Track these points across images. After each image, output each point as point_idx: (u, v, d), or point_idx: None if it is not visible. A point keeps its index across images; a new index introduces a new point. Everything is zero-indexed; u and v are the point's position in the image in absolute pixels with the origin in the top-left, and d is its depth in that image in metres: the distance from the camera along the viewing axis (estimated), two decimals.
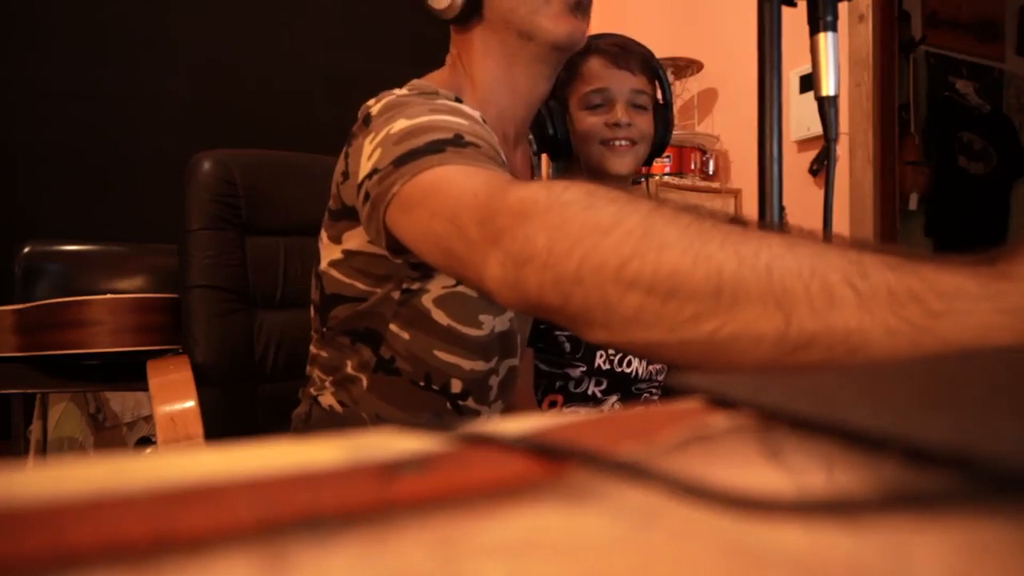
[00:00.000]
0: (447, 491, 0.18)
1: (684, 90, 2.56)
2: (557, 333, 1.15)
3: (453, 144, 0.64)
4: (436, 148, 0.63)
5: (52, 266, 2.04)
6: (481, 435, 0.21)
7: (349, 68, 2.86)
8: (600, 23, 3.48)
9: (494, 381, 0.86)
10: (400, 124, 0.68)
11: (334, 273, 0.84)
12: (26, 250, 2.00)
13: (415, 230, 0.61)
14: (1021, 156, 3.38)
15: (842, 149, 2.25)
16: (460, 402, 0.84)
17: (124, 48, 2.47)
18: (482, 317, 0.81)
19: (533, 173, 1.00)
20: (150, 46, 2.49)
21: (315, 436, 0.22)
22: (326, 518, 0.16)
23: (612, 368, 1.13)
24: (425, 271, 0.78)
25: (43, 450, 2.05)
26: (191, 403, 1.01)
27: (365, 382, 0.87)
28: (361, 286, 0.82)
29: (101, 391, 2.13)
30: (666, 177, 2.28)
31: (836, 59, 0.65)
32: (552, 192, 0.48)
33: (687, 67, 2.46)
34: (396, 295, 0.80)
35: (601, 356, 1.13)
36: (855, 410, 0.22)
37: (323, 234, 0.86)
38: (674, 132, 1.21)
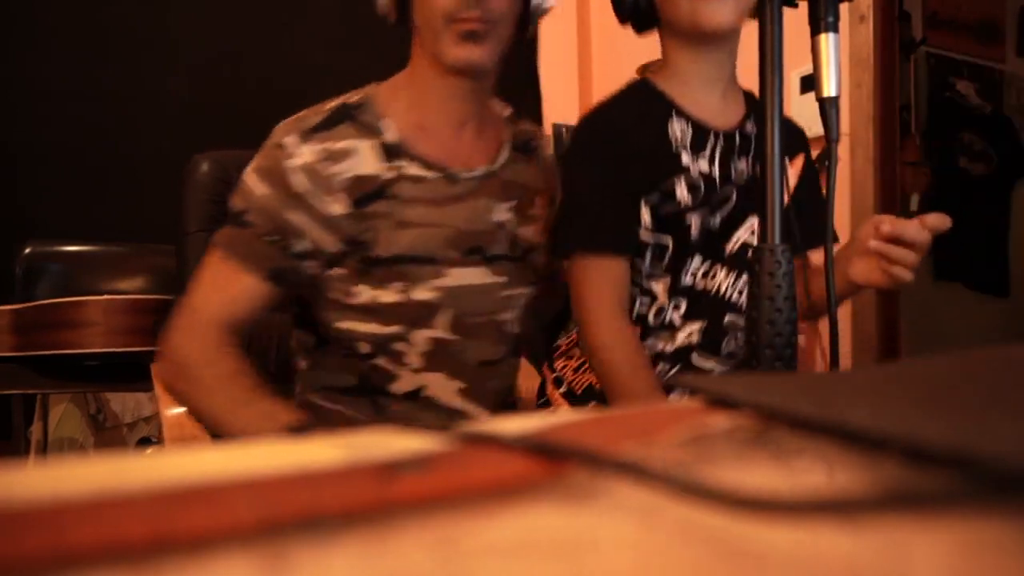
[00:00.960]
0: (447, 491, 0.18)
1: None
2: (643, 240, 0.98)
3: (235, 221, 0.88)
4: (231, 218, 0.89)
5: (52, 266, 2.04)
6: (481, 435, 0.21)
7: (349, 68, 2.85)
8: (600, 23, 3.46)
9: (404, 347, 0.93)
10: (247, 171, 0.91)
11: None
12: (26, 250, 2.00)
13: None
14: (1021, 157, 3.38)
15: (843, 150, 2.25)
16: (371, 361, 0.94)
17: (124, 48, 2.47)
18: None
19: (500, 146, 0.99)
20: (150, 46, 2.49)
21: (314, 436, 0.22)
22: (326, 518, 0.16)
23: (693, 285, 0.98)
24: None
25: (43, 450, 2.05)
26: None
27: (306, 364, 1.00)
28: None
29: (101, 392, 2.13)
30: None
31: (837, 60, 0.65)
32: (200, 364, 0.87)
33: None
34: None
35: (688, 267, 0.98)
36: (855, 410, 0.22)
37: None
38: None
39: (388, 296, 0.89)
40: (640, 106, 0.98)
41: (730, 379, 0.27)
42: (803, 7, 0.67)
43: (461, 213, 0.92)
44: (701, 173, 0.97)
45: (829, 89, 0.65)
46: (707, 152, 0.97)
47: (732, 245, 0.97)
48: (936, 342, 2.95)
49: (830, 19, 0.64)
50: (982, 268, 3.34)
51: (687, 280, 0.98)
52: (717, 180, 0.96)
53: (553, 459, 0.19)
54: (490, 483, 0.18)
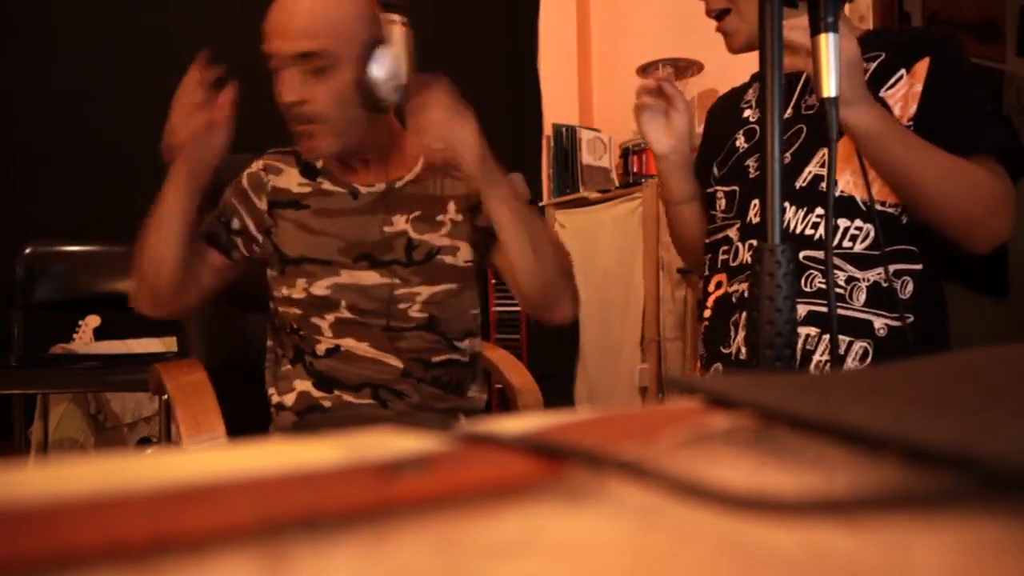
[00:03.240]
0: (447, 491, 0.18)
1: (684, 91, 2.56)
2: (714, 188, 1.10)
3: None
4: None
5: (52, 266, 2.04)
6: (481, 435, 0.21)
7: None
8: (600, 23, 3.47)
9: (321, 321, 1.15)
10: None
11: None
12: (27, 251, 2.01)
13: None
14: (1021, 157, 3.37)
15: None
16: (299, 333, 1.16)
17: (124, 48, 2.47)
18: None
19: (412, 165, 1.18)
20: (150, 46, 2.49)
21: (313, 436, 0.22)
22: (326, 518, 0.16)
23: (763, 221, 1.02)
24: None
25: (44, 450, 2.05)
26: (212, 402, 1.03)
27: (272, 343, 1.22)
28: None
29: (102, 392, 2.13)
30: None
31: (837, 60, 0.65)
32: None
33: (687, 68, 2.46)
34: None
35: (753, 208, 1.04)
36: (855, 410, 0.22)
37: None
38: None
39: (296, 292, 1.13)
40: None
41: (730, 379, 0.27)
42: (803, 8, 0.67)
43: (355, 225, 1.14)
44: (754, 120, 1.07)
45: (829, 89, 0.65)
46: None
47: (802, 180, 1.00)
48: None
49: (830, 19, 0.64)
50: (982, 268, 3.34)
51: (755, 220, 1.03)
52: (787, 120, 1.02)
53: (553, 459, 0.19)
54: (490, 483, 0.18)
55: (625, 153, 3.01)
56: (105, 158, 2.43)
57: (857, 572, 0.15)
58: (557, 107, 3.44)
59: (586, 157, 3.20)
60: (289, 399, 1.14)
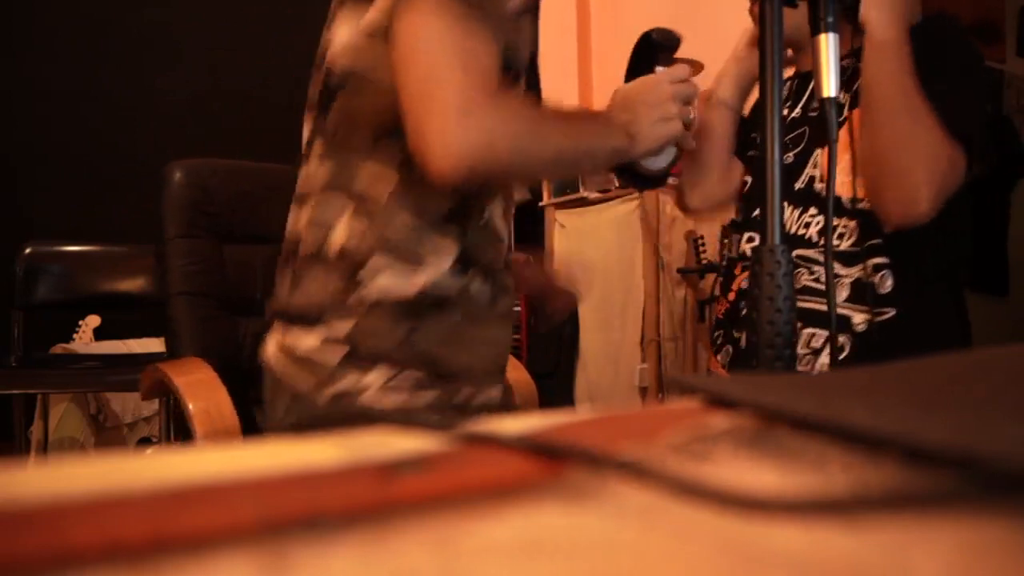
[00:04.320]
0: (447, 491, 0.18)
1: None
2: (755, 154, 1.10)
3: None
4: None
5: (52, 266, 2.04)
6: (481, 435, 0.21)
7: None
8: (600, 23, 3.47)
9: None
10: None
11: None
12: (26, 251, 2.01)
13: None
14: (1021, 157, 3.37)
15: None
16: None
17: (124, 48, 2.47)
18: None
19: None
20: (150, 46, 2.49)
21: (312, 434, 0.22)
22: (326, 518, 0.16)
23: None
24: None
25: (44, 450, 2.05)
26: (224, 397, 1.02)
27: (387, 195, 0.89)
28: None
29: (102, 392, 2.13)
30: (670, 179, 2.28)
31: (837, 60, 0.65)
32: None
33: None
34: None
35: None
36: (855, 410, 0.22)
37: None
38: None
39: None
40: None
41: (730, 379, 0.27)
42: (803, 8, 0.67)
43: None
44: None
45: (829, 89, 0.65)
46: (786, 96, 1.07)
47: (800, 182, 1.02)
48: None
49: (830, 19, 0.64)
50: (981, 268, 3.34)
51: (758, 216, 1.04)
52: (794, 120, 1.04)
53: (553, 459, 0.19)
54: (490, 483, 0.18)
55: None
56: (105, 158, 2.43)
57: (857, 572, 0.15)
58: None
59: None
60: None
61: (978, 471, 0.17)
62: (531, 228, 3.37)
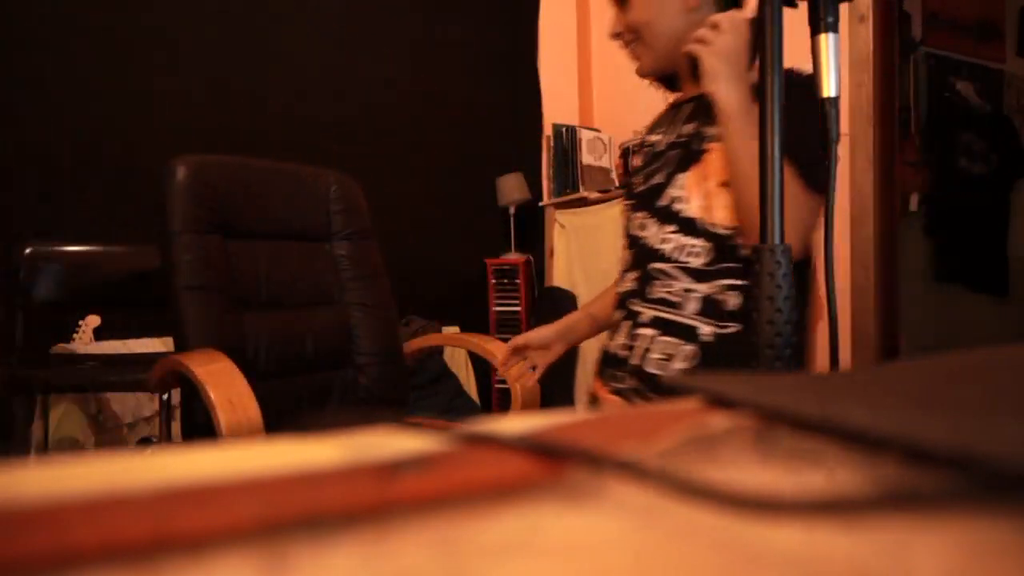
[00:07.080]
0: (447, 491, 0.18)
1: None
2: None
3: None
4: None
5: (52, 266, 2.04)
6: (481, 435, 0.21)
7: (349, 68, 2.86)
8: (600, 23, 3.46)
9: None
10: None
11: None
12: (27, 250, 2.01)
13: None
14: (1021, 157, 3.37)
15: (843, 150, 2.25)
16: None
17: (124, 48, 2.47)
18: None
19: None
20: (150, 46, 2.49)
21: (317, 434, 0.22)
22: (326, 518, 0.16)
23: (637, 236, 1.14)
24: None
25: (44, 450, 2.05)
26: (244, 386, 1.04)
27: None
28: None
29: (102, 392, 2.13)
30: None
31: (837, 60, 0.65)
32: None
33: None
34: None
35: (634, 220, 1.16)
36: (855, 410, 0.22)
37: None
38: None
39: None
40: None
41: (730, 379, 0.27)
42: (803, 7, 0.67)
43: None
44: (650, 143, 1.19)
45: (829, 89, 0.65)
46: (663, 124, 1.18)
47: (662, 200, 1.09)
48: (936, 342, 2.95)
49: (830, 19, 0.64)
50: (981, 268, 3.34)
51: (633, 232, 1.15)
52: (664, 145, 1.14)
53: (553, 459, 0.19)
54: (490, 483, 0.18)
55: (625, 153, 3.01)
56: (105, 158, 2.43)
57: (857, 572, 0.15)
58: (557, 107, 3.44)
59: (586, 157, 3.20)
60: None
61: (978, 471, 0.17)
62: (531, 228, 3.37)
